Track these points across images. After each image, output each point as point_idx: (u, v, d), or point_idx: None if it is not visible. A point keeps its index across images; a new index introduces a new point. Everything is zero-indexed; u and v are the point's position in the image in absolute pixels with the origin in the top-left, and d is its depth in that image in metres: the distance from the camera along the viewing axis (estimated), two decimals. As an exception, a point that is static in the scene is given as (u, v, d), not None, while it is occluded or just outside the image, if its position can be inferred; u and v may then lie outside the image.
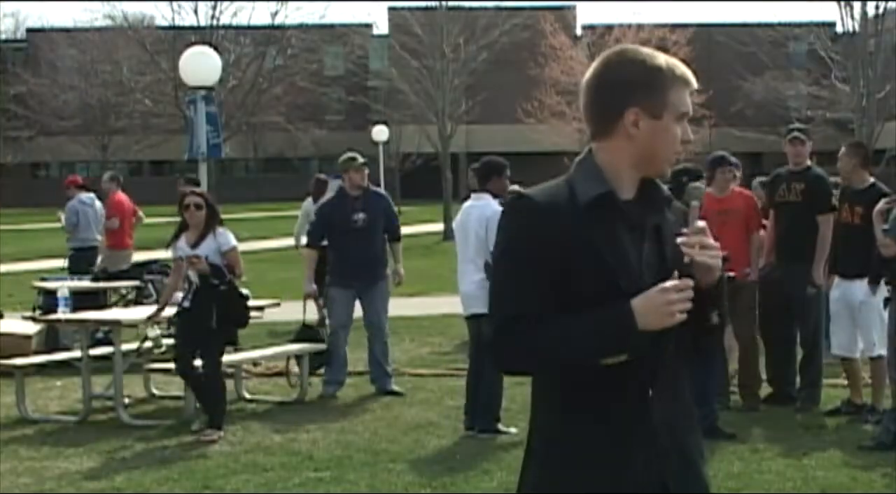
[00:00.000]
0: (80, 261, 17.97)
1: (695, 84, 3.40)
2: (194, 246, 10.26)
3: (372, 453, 9.50)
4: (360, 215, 12.06)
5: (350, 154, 12.60)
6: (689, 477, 3.34)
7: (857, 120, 28.98)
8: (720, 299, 3.33)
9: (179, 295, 10.61)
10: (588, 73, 3.39)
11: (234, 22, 59.26)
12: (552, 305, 3.21)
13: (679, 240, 3.22)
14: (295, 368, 12.40)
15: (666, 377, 3.30)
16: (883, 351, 10.25)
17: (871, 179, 10.54)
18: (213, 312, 10.14)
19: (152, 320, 11.00)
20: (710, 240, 3.23)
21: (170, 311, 10.77)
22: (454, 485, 8.47)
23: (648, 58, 3.35)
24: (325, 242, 12.39)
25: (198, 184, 14.87)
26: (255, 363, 13.13)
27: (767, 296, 11.13)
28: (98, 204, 18.48)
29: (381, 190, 12.54)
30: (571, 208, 3.24)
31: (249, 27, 60.51)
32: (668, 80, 3.33)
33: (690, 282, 3.17)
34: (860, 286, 10.29)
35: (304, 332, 12.69)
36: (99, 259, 18.09)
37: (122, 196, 18.55)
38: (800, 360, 11.15)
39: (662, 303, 3.14)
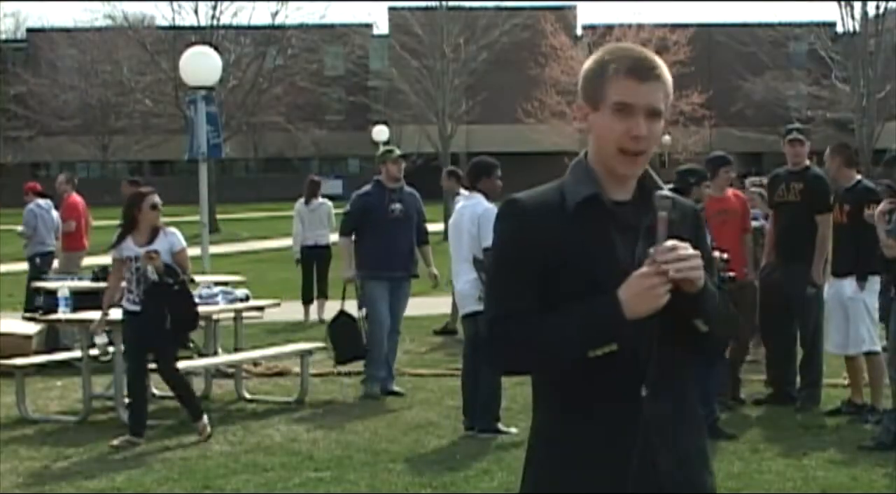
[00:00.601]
0: (45, 266, 17.99)
1: (650, 74, 3.26)
2: (146, 246, 10.00)
3: (372, 453, 9.49)
4: (398, 205, 12.04)
5: (388, 147, 12.63)
6: (683, 480, 3.30)
7: (858, 120, 28.95)
8: (704, 306, 3.26)
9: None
10: None
11: (235, 22, 59.42)
12: (543, 305, 3.22)
13: (657, 257, 3.17)
14: (295, 368, 12.39)
15: (663, 376, 3.27)
16: (873, 347, 10.30)
17: (858, 177, 10.62)
18: (167, 313, 9.97)
19: (100, 326, 10.76)
20: (687, 252, 3.17)
21: (114, 315, 10.51)
22: (454, 485, 8.46)
23: (607, 50, 3.34)
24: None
25: (140, 185, 14.84)
26: (255, 363, 13.13)
27: (767, 296, 11.15)
28: (55, 212, 18.40)
29: (414, 190, 12.51)
30: (561, 210, 3.26)
31: (250, 27, 60.58)
32: (610, 70, 3.27)
33: (668, 263, 3.14)
34: (849, 283, 10.34)
35: (342, 321, 12.41)
36: (56, 262, 18.12)
37: (76, 198, 18.55)
38: (800, 360, 11.15)
39: (646, 287, 3.13)
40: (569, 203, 3.26)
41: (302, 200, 18.35)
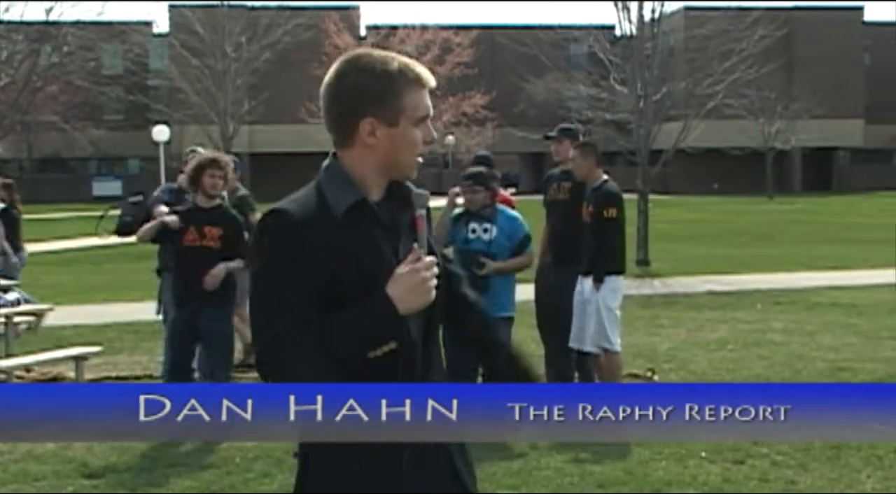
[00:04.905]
0: None
1: (432, 82, 3.35)
2: None
3: (150, 459, 9.27)
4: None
5: (194, 148, 12.02)
6: (445, 475, 3.34)
7: (636, 121, 29.51)
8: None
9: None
10: (325, 81, 3.36)
11: (6, 18, 57.62)
12: (318, 315, 3.18)
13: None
14: (70, 373, 12.06)
15: (439, 376, 3.29)
16: (604, 345, 10.47)
17: (604, 177, 10.68)
18: None
19: None
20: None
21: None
22: (233, 488, 8.36)
23: (381, 64, 3.31)
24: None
25: None
26: (27, 369, 12.72)
27: (543, 295, 11.26)
28: None
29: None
30: (326, 218, 3.24)
31: (22, 23, 58.90)
32: (401, 85, 3.29)
33: (434, 259, 3.22)
34: (587, 282, 10.49)
35: None
36: None
37: None
38: (575, 358, 11.27)
39: (418, 282, 3.17)
40: (335, 210, 3.25)
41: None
